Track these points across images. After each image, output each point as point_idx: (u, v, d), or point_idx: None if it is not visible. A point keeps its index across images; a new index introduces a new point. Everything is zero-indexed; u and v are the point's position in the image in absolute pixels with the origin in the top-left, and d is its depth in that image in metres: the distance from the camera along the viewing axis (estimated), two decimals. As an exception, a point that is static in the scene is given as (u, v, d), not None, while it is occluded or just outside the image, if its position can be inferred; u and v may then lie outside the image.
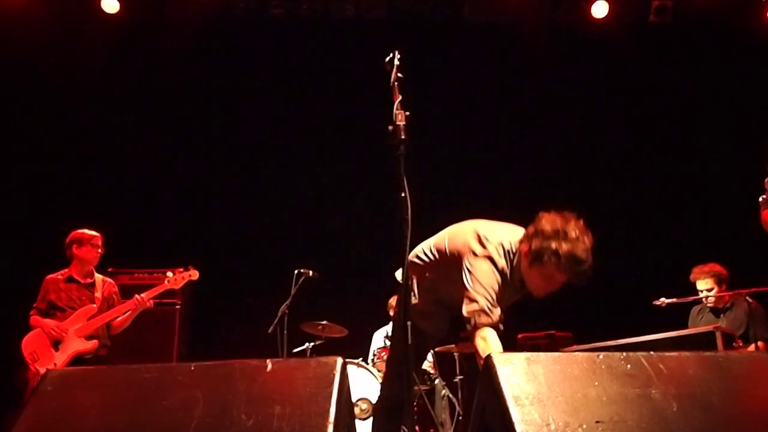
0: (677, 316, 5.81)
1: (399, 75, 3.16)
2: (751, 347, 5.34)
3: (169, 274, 4.99)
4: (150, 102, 7.67)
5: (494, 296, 3.18)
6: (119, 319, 5.00)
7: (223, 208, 7.85)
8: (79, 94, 7.42)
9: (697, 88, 7.69)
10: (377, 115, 3.85)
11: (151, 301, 4.95)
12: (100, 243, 5.04)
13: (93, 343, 4.85)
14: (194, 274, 5.05)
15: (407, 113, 3.07)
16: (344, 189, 4.11)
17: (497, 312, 3.18)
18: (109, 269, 5.64)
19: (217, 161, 7.84)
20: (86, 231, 5.04)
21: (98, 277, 5.12)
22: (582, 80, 7.80)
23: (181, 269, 5.02)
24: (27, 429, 2.27)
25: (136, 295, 4.88)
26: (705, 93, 7.69)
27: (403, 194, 2.96)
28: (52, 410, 2.33)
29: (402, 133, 3.01)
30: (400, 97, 3.11)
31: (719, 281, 5.72)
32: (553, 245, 3.12)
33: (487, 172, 7.86)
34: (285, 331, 5.90)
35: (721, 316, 5.82)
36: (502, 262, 3.28)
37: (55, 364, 4.73)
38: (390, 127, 3.55)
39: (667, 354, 2.41)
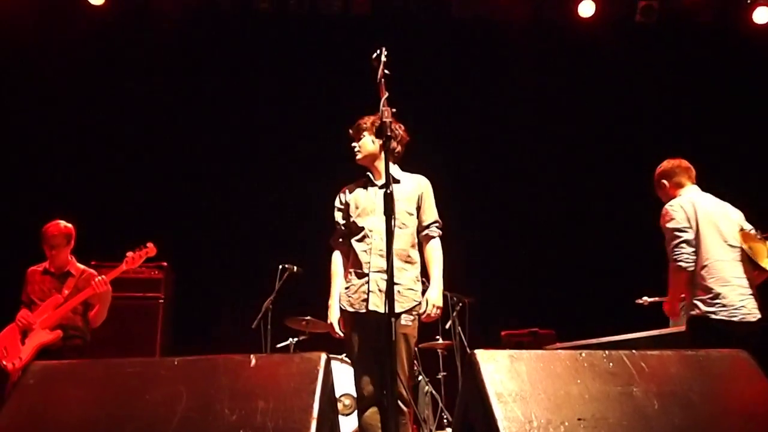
0: (660, 315, 5.85)
1: (386, 71, 3.17)
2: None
3: (129, 253, 4.92)
4: (136, 95, 7.61)
5: None
6: (94, 310, 4.94)
7: (209, 203, 7.81)
8: (61, 86, 7.35)
9: (682, 87, 7.74)
10: (365, 111, 3.87)
11: (108, 285, 4.83)
12: (56, 242, 4.89)
13: (56, 334, 4.76)
14: (151, 251, 4.97)
15: (394, 110, 3.09)
16: (330, 184, 4.10)
17: None
18: (93, 262, 5.60)
19: (202, 155, 7.80)
20: (50, 227, 4.93)
21: (80, 268, 5.05)
22: (568, 78, 7.83)
23: (139, 248, 4.95)
24: (9, 422, 2.26)
25: (93, 280, 4.81)
26: (690, 92, 7.75)
27: (389, 190, 2.97)
28: (34, 404, 2.32)
29: (388, 129, 3.03)
30: (387, 94, 3.12)
31: None
32: None
33: (474, 167, 7.89)
34: (269, 326, 5.90)
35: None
36: None
37: (20, 358, 4.67)
38: (377, 123, 3.58)
39: (648, 352, 2.43)
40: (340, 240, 3.99)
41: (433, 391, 6.43)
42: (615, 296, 6.13)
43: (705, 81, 7.69)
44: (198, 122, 7.80)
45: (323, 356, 2.33)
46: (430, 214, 3.94)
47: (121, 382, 2.38)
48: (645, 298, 5.48)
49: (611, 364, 2.36)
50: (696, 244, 3.97)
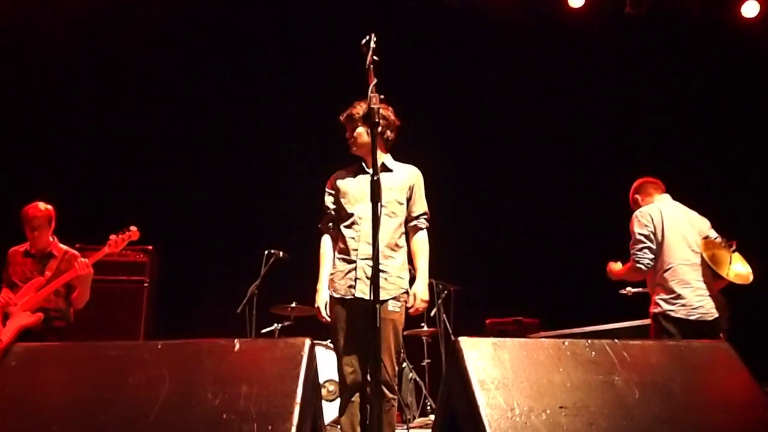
0: (643, 305, 5.90)
1: (375, 58, 3.15)
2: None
3: (112, 236, 4.89)
4: (121, 77, 7.56)
5: None
6: (75, 292, 4.91)
7: (195, 187, 7.78)
8: (45, 67, 7.29)
9: (672, 80, 7.76)
10: (355, 96, 3.86)
11: (91, 268, 4.80)
12: (37, 224, 4.84)
13: (37, 316, 4.73)
14: (134, 234, 4.94)
15: (382, 96, 3.08)
16: (317, 170, 4.10)
17: None
18: (77, 245, 5.56)
19: (189, 138, 7.76)
20: (29, 209, 4.88)
21: (62, 249, 5.02)
22: (558, 68, 7.84)
23: (122, 231, 4.92)
24: (-11, 404, 2.25)
25: (76, 262, 4.78)
26: (679, 85, 7.77)
27: (375, 177, 2.97)
28: (16, 385, 2.31)
29: (376, 115, 3.02)
30: (375, 80, 3.11)
31: None
32: None
33: (462, 157, 7.89)
34: (254, 312, 5.90)
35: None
36: None
37: (1, 340, 4.65)
38: (364, 109, 3.58)
39: (630, 342, 2.46)
40: (329, 224, 3.99)
41: (417, 378, 6.47)
42: (599, 286, 6.17)
43: (695, 73, 7.72)
44: (185, 105, 7.75)
45: (307, 342, 2.34)
46: (420, 205, 3.93)
47: (105, 365, 2.38)
48: (629, 288, 5.52)
49: (593, 353, 2.38)
50: (661, 248, 4.29)
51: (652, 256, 4.28)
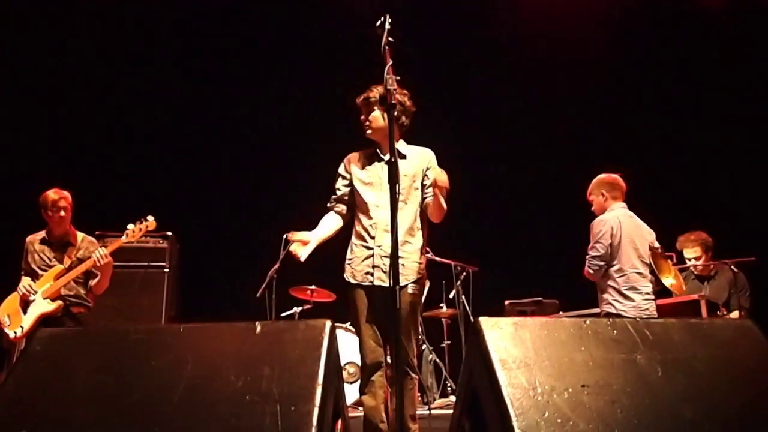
0: (663, 285, 5.86)
1: (390, 39, 3.14)
2: (734, 314, 5.43)
3: (129, 226, 4.93)
4: (137, 64, 7.58)
5: None
6: (96, 280, 4.95)
7: (213, 172, 7.81)
8: (63, 55, 7.33)
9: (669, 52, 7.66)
10: (370, 77, 3.84)
11: (110, 257, 4.84)
12: (62, 205, 4.91)
13: (57, 305, 4.78)
14: (151, 225, 4.98)
15: (398, 77, 3.06)
16: (336, 153, 4.08)
17: None
18: (96, 232, 5.61)
19: (207, 124, 7.78)
20: (50, 193, 4.93)
21: (81, 236, 5.06)
22: (572, 44, 7.74)
23: (140, 221, 4.96)
24: (15, 388, 2.27)
25: (95, 252, 4.82)
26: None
27: (392, 159, 2.96)
28: (40, 370, 2.33)
29: (392, 97, 3.00)
30: (391, 62, 3.10)
31: (706, 249, 5.82)
32: None
33: (480, 137, 7.85)
34: (273, 295, 5.92)
35: (705, 283, 5.91)
36: None
37: (22, 328, 4.70)
38: (381, 93, 3.55)
39: (652, 320, 2.44)
40: (334, 204, 4.00)
41: (437, 359, 6.48)
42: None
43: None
44: (202, 91, 7.77)
45: (328, 323, 2.34)
46: (433, 176, 3.90)
47: (127, 349, 2.39)
48: (648, 268, 5.49)
49: (615, 331, 2.36)
50: (617, 255, 4.67)
51: (603, 263, 4.67)
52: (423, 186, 3.88)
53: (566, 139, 7.81)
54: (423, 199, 3.88)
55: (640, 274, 4.67)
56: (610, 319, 2.40)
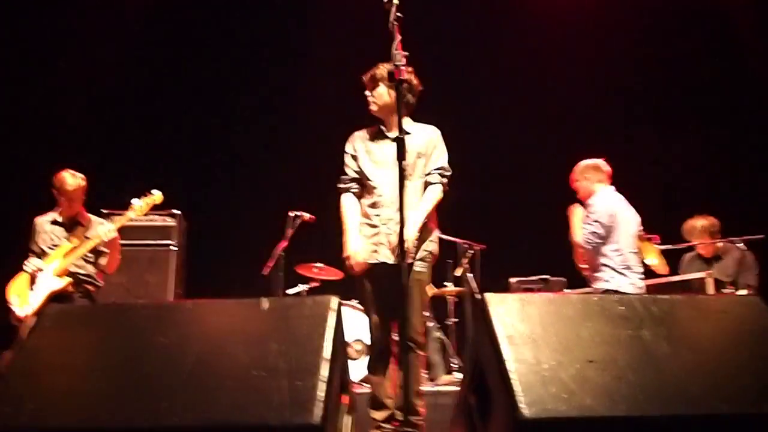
0: (669, 263, 5.85)
1: (398, 14, 3.11)
2: (742, 292, 5.42)
3: (135, 201, 4.92)
4: (144, 41, 7.55)
5: None
6: (106, 258, 4.96)
7: (221, 149, 7.81)
8: (69, 32, 7.31)
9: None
10: (378, 55, 3.81)
11: (117, 234, 4.85)
12: (74, 195, 4.90)
13: (66, 282, 4.78)
14: (158, 198, 4.96)
15: (407, 53, 3.04)
16: (342, 130, 4.07)
17: None
18: (103, 210, 5.62)
19: (213, 101, 7.76)
20: (66, 179, 4.91)
21: (90, 218, 5.07)
22: (579, 17, 7.68)
23: (145, 195, 4.95)
24: (24, 364, 2.30)
25: (100, 229, 4.82)
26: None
27: (400, 135, 2.95)
28: (49, 346, 2.35)
29: (402, 73, 2.99)
30: (400, 37, 3.08)
31: (712, 235, 5.80)
32: None
33: (485, 114, 7.81)
34: (280, 273, 5.94)
35: (713, 264, 5.88)
36: None
37: (30, 305, 4.70)
38: (390, 67, 3.52)
39: (659, 296, 2.44)
40: (349, 185, 3.98)
41: (443, 337, 6.50)
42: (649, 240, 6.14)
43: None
44: (209, 68, 7.75)
45: (334, 299, 2.35)
46: (437, 159, 3.88)
47: (136, 325, 2.41)
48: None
49: (622, 307, 2.36)
50: (615, 234, 4.69)
51: (599, 242, 4.68)
52: (428, 162, 3.86)
53: (574, 118, 7.75)
54: (426, 176, 3.87)
55: (635, 254, 4.74)
56: (617, 296, 2.41)
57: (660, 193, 7.39)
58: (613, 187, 4.94)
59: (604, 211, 4.71)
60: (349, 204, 3.92)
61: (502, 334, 2.23)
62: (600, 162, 5.00)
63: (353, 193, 3.94)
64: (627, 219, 4.78)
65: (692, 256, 6.04)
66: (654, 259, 4.95)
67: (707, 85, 7.50)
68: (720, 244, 5.86)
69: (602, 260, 4.68)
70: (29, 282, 4.80)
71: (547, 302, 2.37)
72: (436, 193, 3.83)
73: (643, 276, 4.78)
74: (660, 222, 5.86)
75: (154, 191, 4.96)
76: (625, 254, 4.67)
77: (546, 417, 2.01)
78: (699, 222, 5.85)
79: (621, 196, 4.91)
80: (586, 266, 4.85)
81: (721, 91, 7.45)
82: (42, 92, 7.29)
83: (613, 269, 4.64)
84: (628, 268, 4.66)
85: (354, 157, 3.94)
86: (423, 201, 3.79)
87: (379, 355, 3.77)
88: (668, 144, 7.58)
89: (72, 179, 4.89)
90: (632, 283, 4.60)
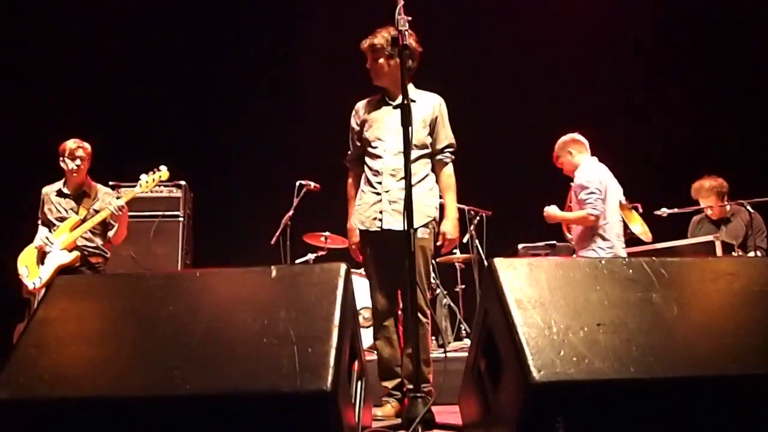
0: (678, 226, 5.84)
1: (401, -20, 3.06)
2: (751, 255, 5.41)
3: (143, 176, 4.94)
4: (150, 15, 7.50)
5: None
6: (114, 230, 4.98)
7: (226, 119, 7.79)
8: (77, 6, 7.27)
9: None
10: (380, 22, 3.77)
11: (125, 207, 4.87)
12: (80, 155, 4.91)
13: (75, 256, 4.81)
14: (164, 175, 5.00)
15: (410, 18, 3.00)
16: (347, 99, 4.05)
17: None
18: (110, 183, 5.62)
19: (218, 71, 7.73)
20: (69, 142, 4.93)
21: (96, 187, 5.08)
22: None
23: (152, 171, 4.97)
24: (36, 335, 2.31)
25: (111, 202, 4.84)
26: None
27: (405, 101, 2.93)
28: (60, 317, 2.36)
29: (404, 39, 2.95)
30: (402, 2, 3.04)
31: (721, 196, 5.78)
32: None
33: (491, 80, 7.75)
34: (288, 242, 5.95)
35: (722, 227, 5.86)
36: None
37: (40, 278, 4.75)
38: (393, 34, 3.49)
39: (668, 259, 2.43)
40: (355, 160, 3.98)
41: (452, 303, 6.52)
42: (633, 209, 6.11)
43: None
44: (213, 39, 7.70)
45: (343, 266, 2.35)
46: (444, 135, 3.88)
47: (146, 294, 2.41)
48: (663, 209, 5.46)
49: (631, 270, 2.35)
50: (604, 204, 4.71)
51: (604, 207, 4.71)
52: (432, 134, 3.85)
53: (580, 82, 7.69)
54: (434, 153, 3.86)
55: (619, 222, 4.81)
56: (626, 259, 2.39)
57: (668, 156, 7.35)
58: (595, 159, 4.95)
59: (596, 179, 4.74)
60: (352, 187, 4.01)
61: (511, 298, 2.22)
62: (577, 135, 5.02)
63: (356, 172, 3.99)
64: (613, 188, 4.82)
65: (700, 218, 6.02)
66: (638, 227, 5.01)
67: (717, 45, 7.41)
68: (728, 207, 5.84)
69: (594, 230, 4.72)
70: (39, 255, 4.83)
71: (556, 266, 2.36)
72: (453, 178, 3.90)
73: (623, 245, 4.86)
74: (669, 185, 5.85)
75: (161, 167, 4.98)
76: (612, 222, 4.74)
77: (556, 380, 2.01)
78: (707, 182, 5.82)
79: (604, 166, 4.92)
80: (573, 236, 4.93)
81: (730, 52, 7.36)
82: (50, 65, 7.27)
83: (602, 237, 4.70)
84: (617, 236, 4.74)
85: (358, 131, 3.93)
86: (448, 193, 3.87)
87: (384, 323, 3.79)
88: (677, 107, 7.52)
89: (73, 144, 4.91)
90: (616, 255, 4.68)
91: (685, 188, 5.94)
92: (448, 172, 3.89)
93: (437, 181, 3.89)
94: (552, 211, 4.94)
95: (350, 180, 4.02)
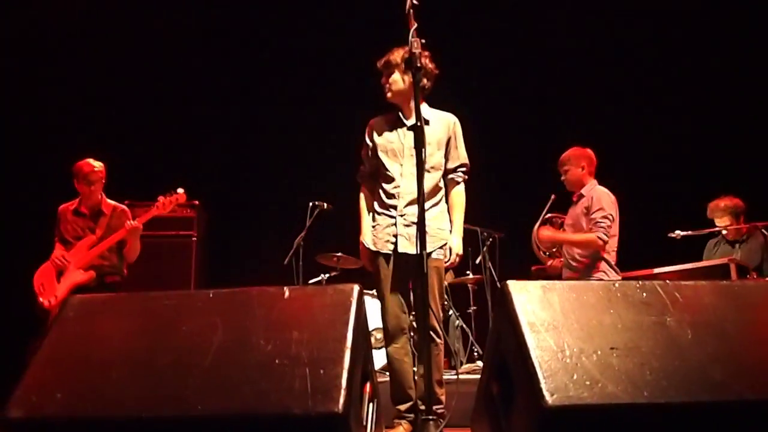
0: (692, 249, 5.80)
1: (414, 2, 3.09)
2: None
3: (160, 198, 4.99)
4: (166, 33, 7.57)
5: None
6: (127, 246, 5.01)
7: (240, 140, 7.83)
8: (91, 24, 7.35)
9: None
10: (395, 44, 3.80)
11: (140, 227, 4.92)
12: (95, 178, 4.96)
13: (89, 274, 4.85)
14: (181, 197, 5.05)
15: (423, 41, 3.03)
16: (361, 119, 4.07)
17: None
18: (126, 202, 5.67)
19: (236, 91, 7.79)
20: (84, 164, 4.97)
21: (112, 205, 5.11)
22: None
23: (170, 193, 5.02)
24: (49, 354, 2.31)
25: (127, 222, 4.88)
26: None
27: (418, 123, 2.94)
28: (73, 336, 2.37)
29: (418, 60, 2.97)
30: (416, 24, 3.06)
31: (736, 215, 5.72)
32: None
33: (504, 101, 7.76)
34: (300, 263, 5.96)
35: (737, 247, 5.81)
36: None
37: (56, 296, 4.78)
38: (402, 55, 3.52)
39: (683, 282, 2.41)
40: (367, 175, 4.00)
41: (464, 325, 6.50)
42: (647, 231, 6.07)
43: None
44: (229, 59, 7.76)
45: (356, 287, 2.35)
46: (458, 155, 3.90)
47: (158, 314, 2.42)
48: (677, 231, 5.43)
49: (645, 294, 2.34)
50: (615, 231, 4.70)
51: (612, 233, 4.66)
52: (446, 154, 3.86)
53: (592, 103, 7.68)
54: (446, 172, 3.88)
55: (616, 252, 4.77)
56: (640, 282, 2.38)
57: (684, 176, 7.31)
58: (595, 181, 4.90)
59: (613, 204, 4.68)
60: (364, 203, 4.02)
61: (524, 321, 2.21)
62: (591, 152, 4.94)
63: (369, 189, 4.00)
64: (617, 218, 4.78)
65: (716, 241, 5.98)
66: None
67: (737, 62, 7.38)
68: (744, 228, 5.79)
69: (601, 255, 4.66)
70: (55, 272, 4.87)
71: (569, 289, 2.35)
72: (463, 196, 3.92)
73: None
74: (684, 206, 5.81)
75: (179, 189, 5.03)
76: (612, 254, 4.72)
77: (569, 404, 2.00)
78: (722, 202, 5.77)
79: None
80: (581, 260, 4.80)
81: (750, 69, 7.32)
82: (67, 83, 7.34)
83: (609, 265, 4.67)
84: (616, 266, 4.71)
85: (371, 149, 3.94)
86: (457, 211, 3.89)
87: (395, 344, 3.78)
88: (693, 127, 7.48)
89: (88, 168, 4.96)
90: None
91: (699, 209, 5.90)
92: (459, 190, 3.91)
93: (446, 199, 3.90)
94: (550, 233, 4.92)
95: (362, 195, 4.03)
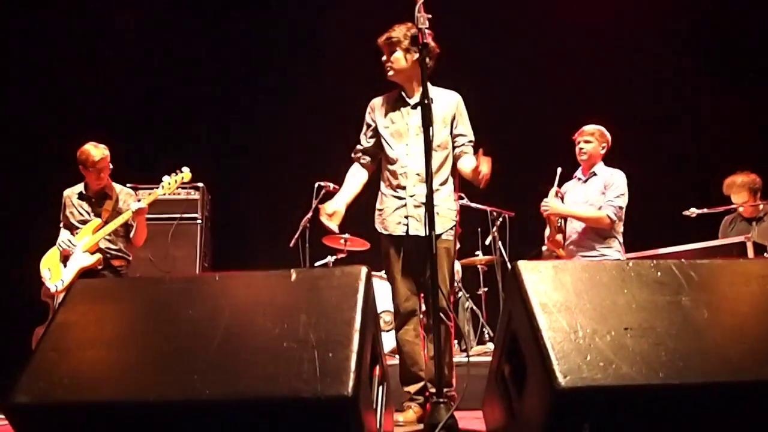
0: (708, 227, 5.72)
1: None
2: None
3: (165, 178, 4.95)
4: (167, 17, 7.53)
5: None
6: (134, 230, 4.99)
7: (244, 121, 7.79)
8: (96, 9, 7.32)
9: None
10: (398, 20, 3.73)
11: (146, 209, 4.89)
12: (103, 165, 4.92)
13: (96, 258, 4.83)
14: (186, 176, 5.00)
15: (429, 16, 2.96)
16: (365, 101, 4.01)
17: None
18: (129, 185, 5.63)
19: (235, 73, 7.74)
20: (90, 151, 4.91)
21: (117, 188, 5.08)
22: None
23: (174, 173, 4.97)
24: (55, 339, 2.30)
25: (132, 204, 4.85)
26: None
27: (426, 101, 2.89)
28: (79, 321, 2.35)
29: (425, 36, 2.91)
30: (422, 0, 2.99)
31: (753, 192, 5.60)
32: None
33: (512, 79, 7.68)
34: (307, 245, 5.93)
35: (754, 224, 5.71)
36: None
37: (62, 281, 4.76)
38: (413, 31, 3.45)
39: (698, 261, 2.37)
40: (359, 155, 3.94)
41: (474, 307, 6.46)
42: (662, 209, 6.01)
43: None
44: (232, 40, 7.71)
45: (364, 269, 2.31)
46: (463, 130, 3.82)
47: (165, 298, 2.39)
48: (692, 209, 5.34)
49: (659, 273, 2.30)
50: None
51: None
52: (452, 132, 3.80)
53: (607, 83, 7.58)
54: (454, 147, 3.81)
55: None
56: (654, 261, 2.33)
57: (699, 154, 7.23)
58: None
59: (624, 183, 4.64)
60: (352, 172, 3.95)
61: (536, 302, 2.18)
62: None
63: (362, 163, 3.95)
64: None
65: (732, 218, 5.89)
66: None
67: (751, 41, 7.27)
68: (761, 205, 5.70)
69: (614, 232, 4.62)
70: (61, 257, 4.86)
71: (582, 269, 2.31)
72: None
73: None
74: (700, 184, 5.73)
75: (183, 168, 4.98)
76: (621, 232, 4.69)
77: (582, 386, 1.97)
78: (739, 178, 5.65)
79: None
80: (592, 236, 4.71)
81: (763, 41, 7.21)
82: (71, 67, 7.30)
83: (620, 243, 4.63)
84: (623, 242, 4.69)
85: (372, 128, 3.88)
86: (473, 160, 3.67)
87: (406, 326, 3.74)
88: (713, 104, 7.38)
89: (95, 150, 4.90)
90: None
91: (715, 187, 5.81)
92: (469, 157, 3.78)
93: (454, 175, 3.83)
94: (558, 204, 4.81)
95: (352, 170, 3.95)
